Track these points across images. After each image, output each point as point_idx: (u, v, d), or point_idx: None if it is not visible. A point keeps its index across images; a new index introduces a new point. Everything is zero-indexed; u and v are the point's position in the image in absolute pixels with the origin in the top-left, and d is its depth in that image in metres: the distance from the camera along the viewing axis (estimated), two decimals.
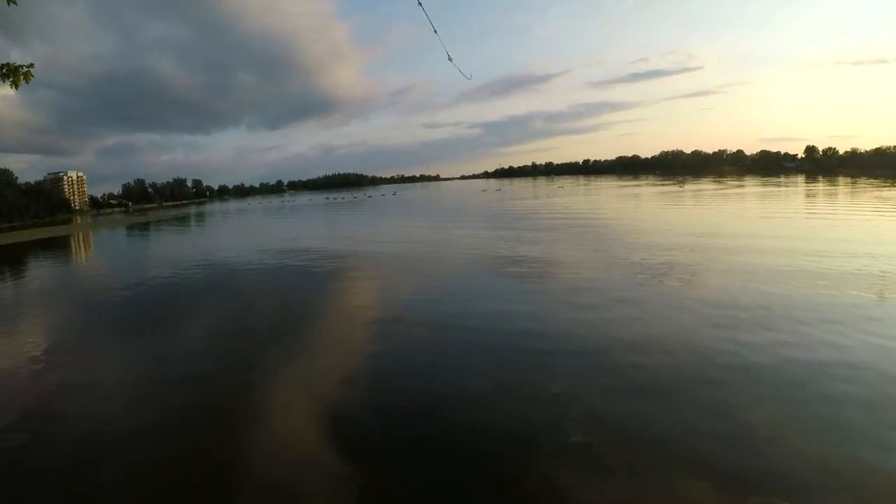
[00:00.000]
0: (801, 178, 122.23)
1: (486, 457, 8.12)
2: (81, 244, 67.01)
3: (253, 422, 9.97)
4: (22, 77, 5.65)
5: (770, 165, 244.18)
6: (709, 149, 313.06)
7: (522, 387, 10.43)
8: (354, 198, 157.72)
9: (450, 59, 9.09)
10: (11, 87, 5.74)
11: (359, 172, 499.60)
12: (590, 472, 7.47)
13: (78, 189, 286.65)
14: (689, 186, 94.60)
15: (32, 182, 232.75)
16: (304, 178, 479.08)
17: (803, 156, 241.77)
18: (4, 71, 5.60)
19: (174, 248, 49.48)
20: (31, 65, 5.66)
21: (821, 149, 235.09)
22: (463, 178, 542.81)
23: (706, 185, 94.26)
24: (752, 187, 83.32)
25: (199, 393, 11.67)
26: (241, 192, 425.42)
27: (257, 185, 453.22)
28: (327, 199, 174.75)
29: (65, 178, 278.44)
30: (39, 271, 39.63)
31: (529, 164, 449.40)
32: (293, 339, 15.36)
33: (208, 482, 8.02)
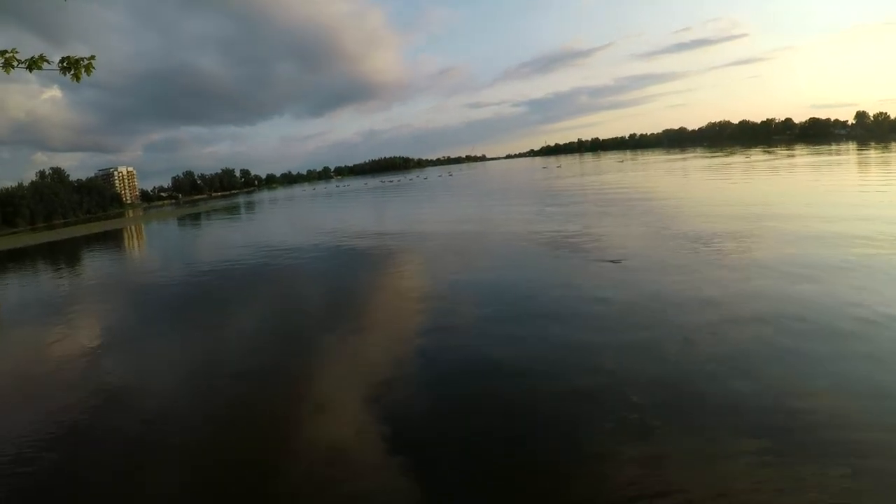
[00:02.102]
0: (852, 146, 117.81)
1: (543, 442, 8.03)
2: (134, 236, 69.07)
3: (305, 410, 10.14)
4: (83, 69, 5.79)
5: (820, 133, 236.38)
6: (757, 118, 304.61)
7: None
8: (411, 180, 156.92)
9: None
10: (73, 80, 5.88)
11: (404, 156, 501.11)
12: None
13: (128, 184, 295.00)
14: (738, 158, 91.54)
15: (84, 179, 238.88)
16: (349, 164, 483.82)
17: (854, 122, 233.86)
18: (65, 64, 5.74)
19: (226, 237, 50.40)
20: (93, 57, 5.80)
21: (872, 114, 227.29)
22: (509, 157, 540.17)
23: (756, 156, 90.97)
24: (803, 157, 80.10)
25: (252, 382, 11.87)
26: (289, 179, 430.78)
27: (304, 173, 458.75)
28: (382, 181, 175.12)
29: (115, 173, 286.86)
30: (94, 264, 41.01)
31: (575, 140, 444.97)
32: (346, 323, 15.47)
33: (258, 472, 8.13)
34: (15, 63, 5.54)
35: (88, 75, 5.86)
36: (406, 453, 8.08)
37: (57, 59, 5.74)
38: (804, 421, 7.64)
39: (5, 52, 5.50)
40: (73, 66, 5.72)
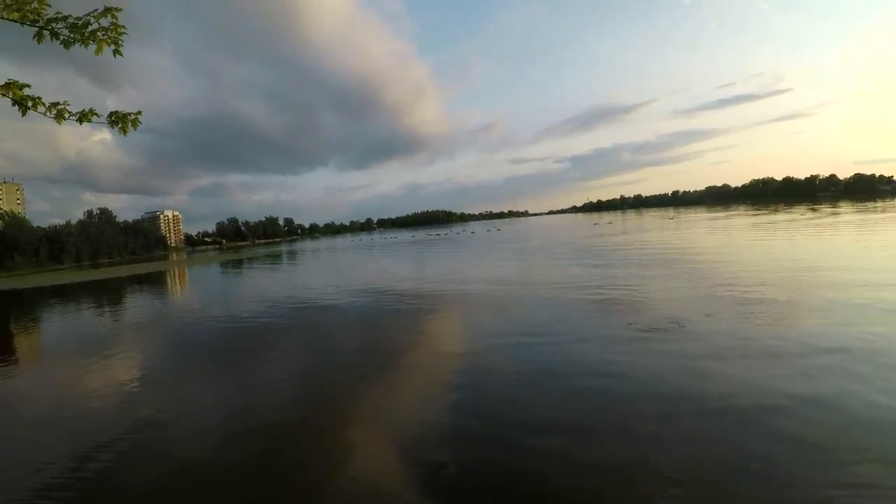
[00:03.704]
0: None
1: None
2: (177, 279, 70.41)
3: (336, 458, 10.15)
4: (130, 124, 6.10)
5: (865, 189, 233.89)
6: (800, 174, 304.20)
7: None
8: (458, 234, 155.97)
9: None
10: (120, 133, 6.19)
11: (446, 209, 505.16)
12: None
13: (174, 227, 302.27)
14: (783, 216, 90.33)
15: (130, 220, 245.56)
16: (392, 216, 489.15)
17: None
18: (113, 118, 6.06)
19: (267, 285, 50.93)
20: (139, 112, 6.12)
21: None
22: (551, 212, 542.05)
23: (799, 215, 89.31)
24: (848, 215, 78.50)
25: (286, 426, 11.96)
26: (332, 230, 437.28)
27: (347, 223, 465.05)
28: (428, 234, 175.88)
29: (161, 216, 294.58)
30: (137, 305, 41.80)
31: (618, 197, 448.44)
32: (379, 374, 15.50)
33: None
34: (66, 115, 5.84)
35: (135, 129, 6.18)
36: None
37: (109, 102, 6.07)
38: None
39: (58, 104, 5.82)
40: (120, 121, 6.04)
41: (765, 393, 11.41)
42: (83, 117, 5.86)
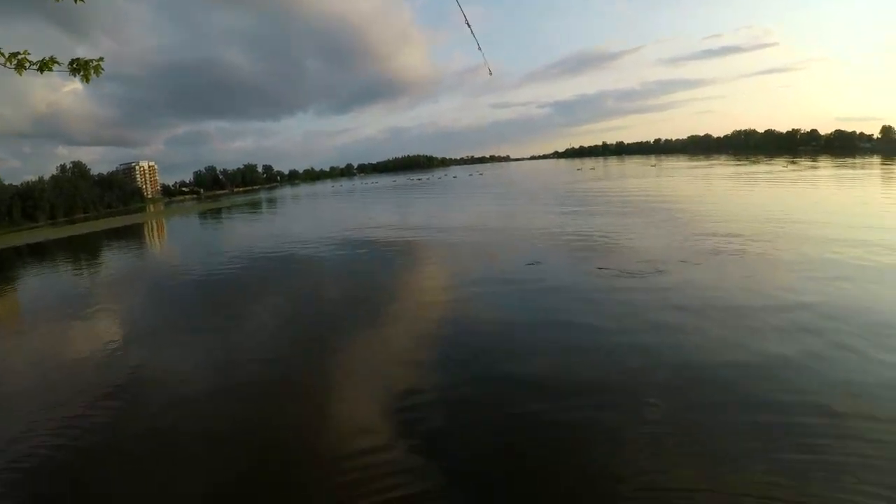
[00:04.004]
0: (876, 160, 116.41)
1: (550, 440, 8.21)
2: (155, 232, 70.09)
3: (320, 400, 10.50)
4: (92, 70, 5.93)
5: (845, 146, 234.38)
6: (783, 128, 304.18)
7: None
8: (440, 179, 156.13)
9: (479, 48, 9.07)
10: (83, 81, 6.03)
11: (428, 154, 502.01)
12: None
13: (150, 178, 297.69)
14: (763, 167, 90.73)
15: (105, 173, 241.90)
16: (373, 161, 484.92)
17: (879, 136, 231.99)
18: (75, 66, 5.87)
19: (246, 233, 50.93)
20: (101, 59, 5.92)
21: None
22: (533, 158, 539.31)
23: (779, 167, 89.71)
24: (826, 170, 79.04)
25: (270, 373, 12.24)
26: (312, 176, 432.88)
27: (327, 169, 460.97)
28: (409, 179, 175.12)
29: (137, 168, 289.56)
30: (115, 260, 41.65)
31: (600, 143, 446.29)
32: (366, 322, 15.62)
33: (276, 458, 8.47)
34: (27, 64, 5.67)
35: (98, 76, 5.97)
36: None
37: (80, 51, 5.90)
38: None
39: (18, 53, 5.63)
40: (82, 68, 5.85)
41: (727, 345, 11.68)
42: (44, 66, 5.65)
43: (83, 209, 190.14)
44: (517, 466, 7.74)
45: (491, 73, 9.76)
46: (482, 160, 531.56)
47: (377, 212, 58.09)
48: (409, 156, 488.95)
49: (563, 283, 18.07)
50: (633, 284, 16.93)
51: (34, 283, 33.53)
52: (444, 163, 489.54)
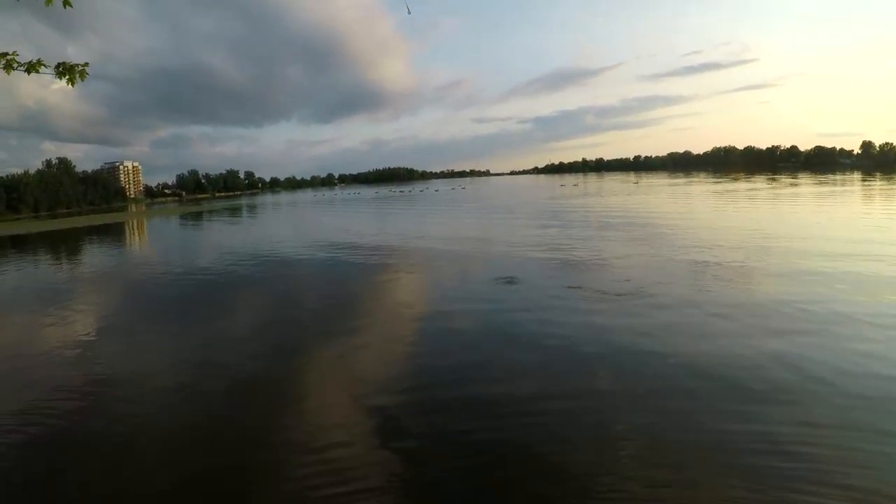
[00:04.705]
0: (857, 176, 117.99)
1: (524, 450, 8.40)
2: (136, 231, 70.03)
3: (291, 406, 10.60)
4: (77, 75, 6.27)
5: (825, 161, 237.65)
6: (763, 144, 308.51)
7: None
8: (421, 192, 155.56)
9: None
10: (68, 84, 6.38)
11: (408, 167, 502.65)
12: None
13: (133, 178, 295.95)
14: (743, 185, 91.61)
15: (89, 171, 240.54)
16: (354, 172, 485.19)
17: (859, 151, 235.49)
18: (61, 69, 6.23)
19: (226, 238, 50.85)
20: (86, 64, 6.29)
21: (878, 144, 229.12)
22: (513, 173, 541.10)
23: (759, 184, 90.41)
24: (806, 186, 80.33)
25: (241, 378, 12.30)
26: (293, 184, 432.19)
27: (308, 178, 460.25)
28: (392, 191, 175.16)
29: (121, 167, 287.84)
30: (95, 256, 41.82)
31: (580, 159, 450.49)
32: (338, 329, 15.89)
33: (245, 463, 8.54)
34: (15, 65, 6.02)
35: (82, 80, 6.35)
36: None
37: (70, 50, 6.21)
38: None
39: (6, 54, 5.98)
40: (68, 72, 6.21)
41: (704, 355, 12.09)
42: (31, 68, 6.01)
43: (66, 205, 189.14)
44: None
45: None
46: (462, 174, 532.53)
47: (360, 223, 57.88)
48: (389, 168, 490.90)
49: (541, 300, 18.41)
50: (607, 307, 16.75)
51: (11, 274, 33.48)
52: (424, 176, 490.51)
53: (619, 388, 10.48)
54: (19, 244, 56.81)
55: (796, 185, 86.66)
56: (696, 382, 10.33)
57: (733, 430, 8.52)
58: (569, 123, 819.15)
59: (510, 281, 20.68)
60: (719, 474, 7.39)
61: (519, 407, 9.82)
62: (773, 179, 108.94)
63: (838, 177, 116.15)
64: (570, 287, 19.19)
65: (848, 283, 17.52)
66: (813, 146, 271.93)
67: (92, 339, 16.74)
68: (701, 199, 64.35)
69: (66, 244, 53.86)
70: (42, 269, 35.30)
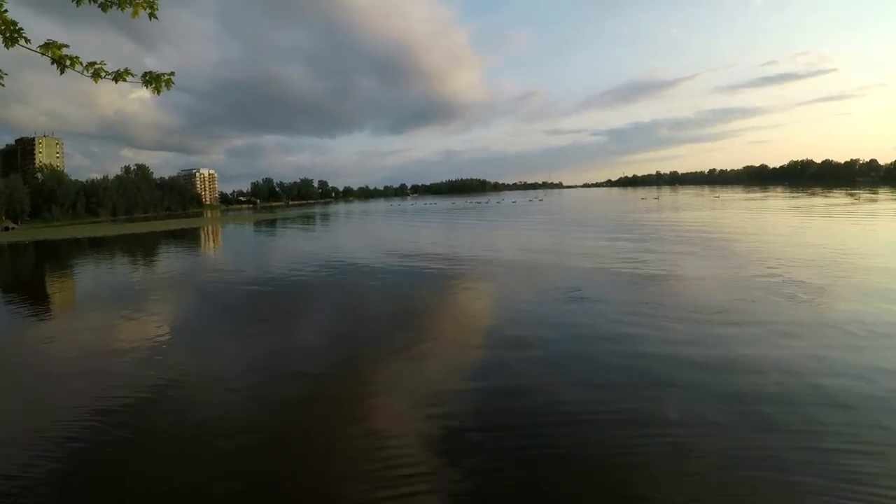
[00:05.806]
0: None
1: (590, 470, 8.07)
2: (210, 236, 71.96)
3: (357, 415, 10.47)
4: (164, 83, 6.27)
5: None
6: (841, 157, 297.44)
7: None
8: (498, 203, 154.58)
9: None
10: (154, 93, 6.37)
11: (480, 178, 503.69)
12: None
13: (209, 185, 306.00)
14: (821, 200, 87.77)
15: (166, 177, 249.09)
16: (426, 182, 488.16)
17: None
18: (147, 78, 6.23)
19: (300, 245, 51.43)
20: (172, 73, 6.28)
21: None
22: (586, 185, 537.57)
23: (839, 199, 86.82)
24: (889, 202, 75.84)
25: (309, 385, 12.31)
26: (365, 193, 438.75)
27: (381, 188, 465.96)
28: (468, 202, 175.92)
29: (197, 174, 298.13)
30: (170, 259, 43.12)
31: (653, 172, 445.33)
32: (406, 340, 15.58)
33: (306, 470, 8.56)
34: (103, 73, 6.01)
35: (168, 89, 6.35)
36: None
37: (148, 62, 6.24)
38: None
39: (95, 63, 5.97)
40: (154, 81, 6.21)
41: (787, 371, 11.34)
42: (118, 77, 6.02)
43: (143, 209, 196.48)
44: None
45: None
46: (534, 186, 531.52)
47: (442, 235, 56.20)
48: (462, 179, 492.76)
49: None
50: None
51: (90, 274, 34.74)
52: (497, 187, 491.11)
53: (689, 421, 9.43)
54: (97, 245, 59.24)
55: (875, 201, 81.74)
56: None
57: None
58: (642, 136, 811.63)
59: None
60: None
61: (587, 431, 9.43)
62: (852, 194, 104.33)
63: None
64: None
65: None
66: (893, 160, 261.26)
67: (166, 339, 17.12)
68: (783, 215, 61.18)
69: (142, 247, 55.73)
70: (119, 271, 36.52)
